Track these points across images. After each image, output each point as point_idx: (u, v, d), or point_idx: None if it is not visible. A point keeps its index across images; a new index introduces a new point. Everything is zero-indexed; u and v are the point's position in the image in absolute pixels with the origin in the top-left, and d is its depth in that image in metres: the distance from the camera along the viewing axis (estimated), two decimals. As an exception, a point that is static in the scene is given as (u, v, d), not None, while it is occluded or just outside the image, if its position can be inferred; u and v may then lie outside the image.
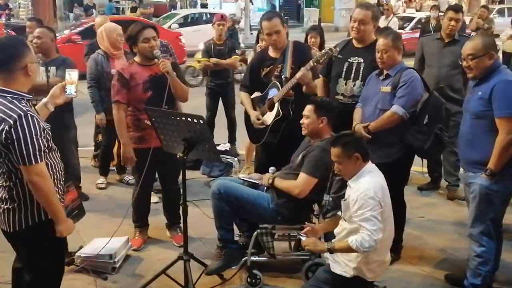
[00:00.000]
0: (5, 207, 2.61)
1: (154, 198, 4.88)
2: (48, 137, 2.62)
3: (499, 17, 19.59)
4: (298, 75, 3.91)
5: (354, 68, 4.04)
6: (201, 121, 3.22)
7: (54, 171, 2.68)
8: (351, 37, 4.21)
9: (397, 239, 3.70)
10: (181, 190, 3.52)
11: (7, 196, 2.60)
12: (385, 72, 3.78)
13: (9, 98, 2.51)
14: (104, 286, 3.74)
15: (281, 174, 3.72)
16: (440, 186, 5.48)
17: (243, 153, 6.05)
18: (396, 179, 3.73)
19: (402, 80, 3.68)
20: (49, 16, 14.97)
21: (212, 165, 5.75)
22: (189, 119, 3.24)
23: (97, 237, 4.14)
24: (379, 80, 3.82)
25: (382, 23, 11.99)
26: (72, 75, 3.02)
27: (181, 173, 3.44)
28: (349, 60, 4.08)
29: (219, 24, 6.30)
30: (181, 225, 3.88)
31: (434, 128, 3.61)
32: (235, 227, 3.87)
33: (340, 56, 4.06)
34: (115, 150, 5.69)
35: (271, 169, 3.80)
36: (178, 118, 3.30)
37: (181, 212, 3.52)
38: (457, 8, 5.18)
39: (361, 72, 4.00)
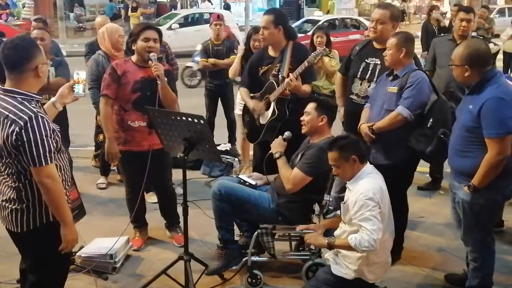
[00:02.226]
0: (13, 207, 2.62)
1: (154, 198, 4.89)
2: (58, 138, 2.61)
3: (500, 17, 19.59)
4: (285, 81, 3.93)
5: (370, 69, 4.04)
6: (202, 121, 3.22)
7: (63, 172, 2.69)
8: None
9: (398, 240, 3.70)
10: (181, 190, 3.52)
11: (15, 197, 2.60)
12: (394, 72, 3.76)
13: (19, 99, 2.51)
14: (104, 286, 3.75)
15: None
16: (441, 187, 5.48)
17: (241, 153, 6.07)
18: (399, 181, 3.72)
19: (409, 81, 3.65)
20: (49, 16, 14.99)
21: (213, 165, 5.76)
22: (190, 119, 3.24)
23: (98, 237, 4.15)
24: (388, 81, 3.80)
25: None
26: (80, 74, 3.05)
27: (173, 174, 3.43)
28: (366, 60, 4.08)
29: (216, 24, 6.27)
30: (181, 225, 3.88)
31: (437, 132, 3.57)
32: (235, 227, 3.88)
33: (329, 55, 4.10)
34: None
35: (287, 133, 3.76)
36: (178, 118, 3.30)
37: (180, 212, 3.53)
38: (467, 9, 5.14)
39: (376, 74, 3.99)
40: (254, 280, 3.67)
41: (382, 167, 3.52)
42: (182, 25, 16.83)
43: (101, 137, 5.88)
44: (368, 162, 3.21)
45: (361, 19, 18.37)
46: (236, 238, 3.87)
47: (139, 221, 4.34)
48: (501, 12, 21.16)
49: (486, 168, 3.06)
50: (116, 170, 5.82)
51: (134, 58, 4.07)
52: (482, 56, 3.14)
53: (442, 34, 7.78)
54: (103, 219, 4.75)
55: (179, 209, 3.73)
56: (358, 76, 4.08)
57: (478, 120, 3.06)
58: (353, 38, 13.51)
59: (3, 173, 2.63)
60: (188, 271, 3.43)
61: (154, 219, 4.49)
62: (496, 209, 3.41)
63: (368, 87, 4.01)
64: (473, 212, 3.24)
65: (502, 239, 4.40)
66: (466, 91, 3.29)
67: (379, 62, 4.00)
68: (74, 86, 3.01)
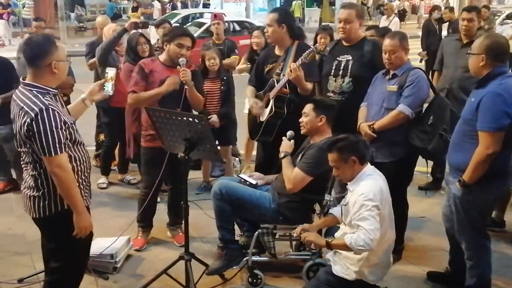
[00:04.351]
0: (32, 194, 2.77)
1: (157, 198, 4.88)
2: (72, 131, 2.73)
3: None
4: (287, 70, 3.94)
5: (342, 65, 4.11)
6: (203, 122, 3.23)
7: (78, 163, 2.80)
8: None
9: (399, 239, 3.71)
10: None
11: (33, 184, 2.76)
12: (391, 71, 3.79)
13: (35, 92, 2.65)
14: (105, 286, 3.74)
15: (282, 175, 3.70)
16: (442, 187, 5.47)
17: (244, 153, 6.06)
18: (400, 179, 3.75)
19: (409, 80, 3.69)
20: (50, 16, 14.98)
21: (213, 165, 5.76)
22: (190, 119, 3.24)
23: (99, 236, 4.13)
24: (385, 80, 3.83)
25: (383, 22, 11.99)
26: (109, 73, 3.11)
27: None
28: (338, 58, 4.17)
29: (214, 23, 6.31)
30: (182, 225, 3.88)
31: (438, 129, 3.59)
32: (236, 227, 3.88)
33: (325, 54, 4.25)
34: (116, 150, 5.70)
35: (289, 133, 3.77)
36: (179, 118, 3.30)
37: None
38: (468, 8, 5.21)
39: (349, 69, 4.06)
40: (254, 280, 3.67)
41: (383, 165, 3.53)
42: (182, 25, 16.79)
43: (101, 136, 5.90)
44: (368, 163, 3.21)
45: (257, 22, 15.84)
46: (237, 238, 3.87)
47: (145, 221, 4.34)
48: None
49: (476, 161, 3.07)
50: (116, 170, 5.84)
51: (162, 57, 4.11)
52: (500, 49, 3.14)
53: (450, 34, 7.80)
54: (103, 219, 4.73)
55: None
56: (332, 73, 4.15)
57: (475, 113, 3.08)
58: (244, 43, 9.60)
59: (24, 161, 2.78)
60: (189, 270, 3.43)
61: (155, 218, 4.48)
62: (486, 208, 3.40)
63: (343, 82, 4.08)
64: (463, 208, 3.25)
65: (503, 239, 4.40)
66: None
67: (350, 58, 4.09)
68: (104, 84, 3.10)
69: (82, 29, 22.89)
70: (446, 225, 3.59)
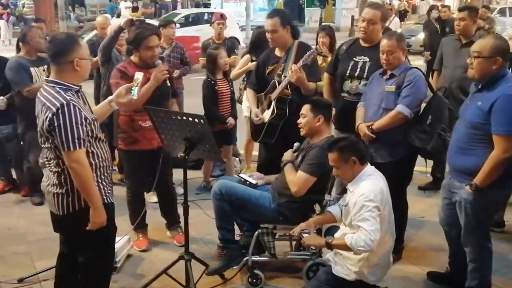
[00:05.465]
0: (55, 191, 2.81)
1: (154, 198, 4.88)
2: (93, 127, 2.77)
3: (500, 16, 19.55)
4: (289, 73, 3.92)
5: (359, 66, 4.07)
6: (202, 121, 3.23)
7: (99, 160, 2.84)
8: (357, 37, 4.23)
9: (399, 239, 3.71)
10: (182, 189, 3.52)
11: (57, 182, 2.80)
12: (389, 72, 3.78)
13: (57, 88, 2.71)
14: (105, 285, 3.74)
15: (282, 175, 3.71)
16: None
17: (244, 153, 6.06)
18: (399, 179, 3.74)
19: (406, 80, 3.67)
20: (50, 16, 14.94)
21: (214, 164, 5.76)
22: (190, 118, 3.24)
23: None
24: (383, 80, 3.82)
25: (383, 23, 11.96)
26: (137, 75, 3.15)
27: (174, 174, 3.44)
28: (354, 59, 4.12)
29: (219, 23, 6.30)
30: (182, 224, 3.88)
31: (437, 128, 3.58)
32: (236, 227, 3.88)
33: (324, 54, 4.15)
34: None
35: (296, 144, 3.78)
36: (179, 118, 3.30)
37: (181, 212, 3.53)
38: (460, 8, 5.26)
39: (366, 71, 4.03)
40: (254, 280, 3.67)
41: (383, 166, 3.53)
42: (183, 25, 16.79)
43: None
44: (369, 164, 3.21)
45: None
46: (237, 238, 3.87)
47: (140, 223, 4.32)
48: (501, 12, 21.09)
49: (491, 165, 3.03)
50: (116, 169, 5.83)
51: (134, 59, 4.04)
52: (508, 49, 3.12)
53: (447, 33, 7.80)
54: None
55: (180, 209, 3.73)
56: (347, 74, 4.12)
57: (487, 117, 3.02)
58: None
59: (47, 158, 2.81)
60: (189, 270, 3.44)
61: (154, 219, 4.49)
62: (495, 209, 3.40)
63: (359, 84, 4.05)
64: (474, 212, 3.22)
65: (503, 239, 4.39)
66: (473, 89, 3.24)
67: (368, 60, 4.04)
68: (132, 87, 3.12)
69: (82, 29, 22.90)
70: (446, 228, 3.58)
